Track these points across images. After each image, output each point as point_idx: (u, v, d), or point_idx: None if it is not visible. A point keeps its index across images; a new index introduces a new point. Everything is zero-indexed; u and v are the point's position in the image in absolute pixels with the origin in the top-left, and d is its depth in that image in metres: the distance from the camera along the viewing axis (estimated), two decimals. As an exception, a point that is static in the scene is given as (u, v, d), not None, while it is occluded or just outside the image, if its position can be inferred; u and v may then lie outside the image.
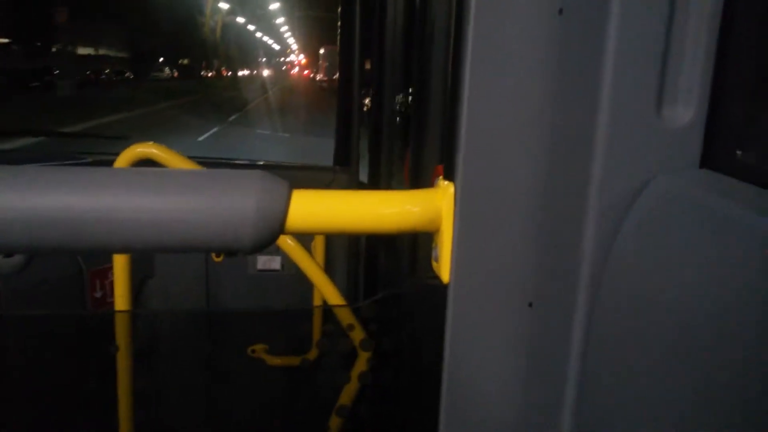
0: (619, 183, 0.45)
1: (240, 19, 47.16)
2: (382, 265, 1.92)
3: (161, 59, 40.36)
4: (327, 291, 1.47)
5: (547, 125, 0.52)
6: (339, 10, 2.05)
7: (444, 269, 0.57)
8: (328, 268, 1.96)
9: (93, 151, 2.22)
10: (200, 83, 36.40)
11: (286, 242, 1.45)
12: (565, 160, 0.50)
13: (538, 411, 0.55)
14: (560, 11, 0.51)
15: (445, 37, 1.20)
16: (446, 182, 0.57)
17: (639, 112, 0.44)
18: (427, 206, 0.57)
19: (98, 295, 1.89)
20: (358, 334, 1.41)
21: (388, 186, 1.75)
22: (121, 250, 0.70)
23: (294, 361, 1.92)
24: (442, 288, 0.58)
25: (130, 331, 1.49)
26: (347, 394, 1.46)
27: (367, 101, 2.21)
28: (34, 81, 21.27)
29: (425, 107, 1.29)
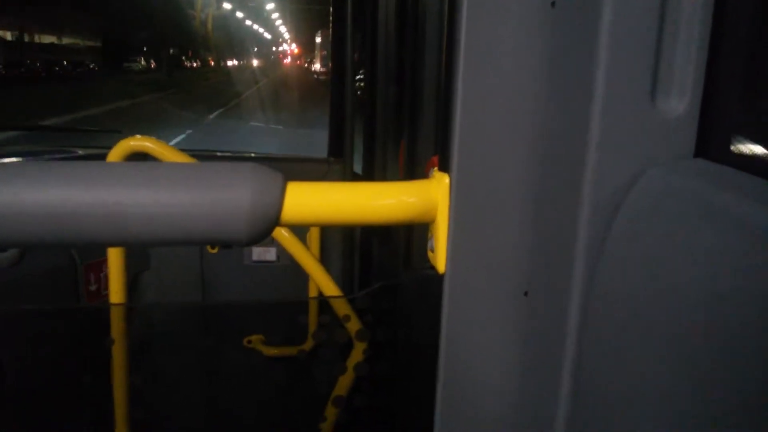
0: (613, 173, 0.45)
1: (227, 6, 44.64)
2: (378, 256, 1.92)
3: (144, 48, 36.23)
4: (322, 282, 1.47)
5: (541, 116, 0.52)
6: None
7: (440, 260, 0.57)
8: (324, 259, 1.96)
9: (85, 145, 2.20)
10: (181, 75, 32.62)
11: (281, 233, 1.45)
12: (560, 151, 0.50)
13: (533, 400, 0.56)
14: (553, 3, 0.50)
15: (438, 29, 1.20)
16: (441, 173, 0.57)
17: (633, 102, 0.44)
18: (423, 197, 0.57)
19: (93, 288, 1.89)
20: (354, 325, 1.41)
21: (383, 177, 1.75)
22: (115, 245, 0.70)
23: (290, 351, 1.93)
24: (438, 278, 0.58)
25: (125, 324, 1.49)
26: (343, 384, 1.46)
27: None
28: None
29: (419, 98, 1.29)
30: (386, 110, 1.68)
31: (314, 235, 1.94)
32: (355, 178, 2.01)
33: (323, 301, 1.70)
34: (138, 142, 1.40)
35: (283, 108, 16.60)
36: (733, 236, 0.35)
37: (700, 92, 0.45)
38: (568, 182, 0.48)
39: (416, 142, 1.32)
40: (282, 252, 1.99)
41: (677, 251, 0.39)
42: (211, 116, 13.52)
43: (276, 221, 0.54)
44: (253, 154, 2.76)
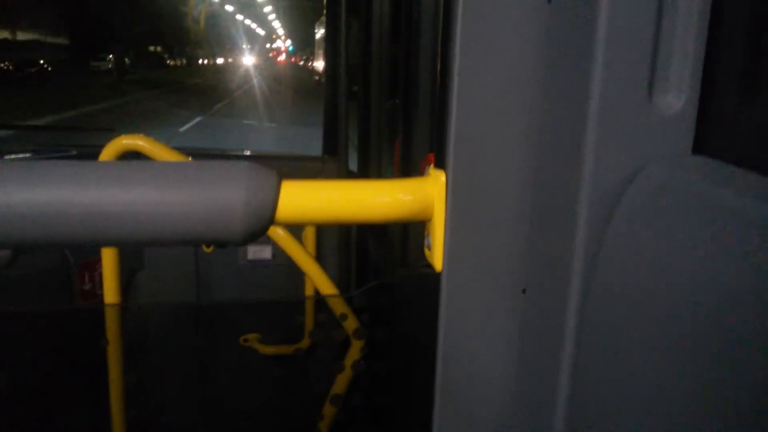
0: (611, 170, 0.45)
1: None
2: (374, 254, 1.92)
3: (120, 44, 30.14)
4: (319, 281, 1.47)
5: (538, 113, 0.52)
6: None
7: (437, 258, 0.57)
8: (320, 258, 1.95)
9: (78, 143, 2.19)
10: (159, 76, 27.25)
11: (277, 232, 1.44)
12: (557, 148, 0.50)
13: (531, 398, 0.55)
14: (549, 0, 0.50)
15: (434, 25, 1.19)
16: (437, 171, 0.57)
17: (630, 99, 0.44)
18: (419, 195, 0.57)
19: (87, 287, 1.88)
20: (351, 324, 1.41)
21: (378, 175, 1.75)
22: (109, 244, 0.69)
23: (287, 350, 1.93)
24: (435, 276, 0.58)
25: (120, 324, 1.48)
26: (341, 382, 1.46)
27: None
28: None
29: (414, 95, 1.28)
30: (381, 107, 1.67)
31: (310, 234, 1.94)
32: (349, 175, 2.01)
33: (320, 300, 1.70)
34: (131, 141, 1.39)
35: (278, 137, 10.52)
36: (731, 232, 0.35)
37: (698, 88, 0.44)
38: (565, 179, 0.48)
39: (411, 139, 1.31)
40: (278, 251, 1.98)
41: (675, 248, 0.39)
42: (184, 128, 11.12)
43: (271, 220, 0.53)
44: (247, 153, 2.75)
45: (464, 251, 0.55)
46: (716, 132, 0.45)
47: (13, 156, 1.89)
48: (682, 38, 0.44)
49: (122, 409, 1.46)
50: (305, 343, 1.92)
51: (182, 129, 11.15)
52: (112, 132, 1.74)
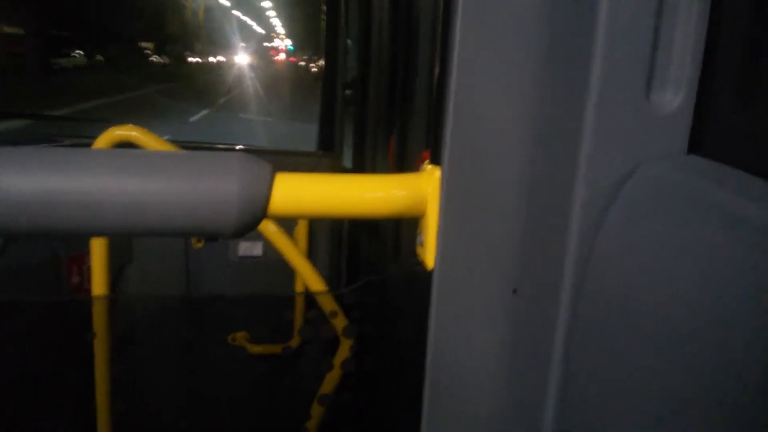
0: (606, 168, 0.45)
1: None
2: (365, 252, 1.91)
3: (106, 40, 25.87)
4: (309, 277, 1.46)
5: (535, 110, 0.52)
6: None
7: (429, 255, 0.57)
8: (311, 255, 1.95)
9: (72, 134, 2.17)
10: (129, 77, 21.50)
11: (268, 228, 1.44)
12: (553, 145, 0.49)
13: (521, 397, 0.55)
14: None
15: (432, 21, 1.19)
16: (433, 166, 0.56)
17: (628, 96, 0.44)
18: (413, 190, 0.56)
19: (75, 281, 1.86)
20: (340, 321, 1.41)
21: (373, 172, 1.74)
22: (99, 234, 0.68)
23: (275, 349, 1.92)
24: (426, 274, 0.57)
25: (107, 317, 1.47)
26: (330, 381, 1.45)
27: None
28: None
29: (410, 92, 1.28)
30: (377, 104, 1.67)
31: (302, 230, 1.93)
32: (344, 172, 2.00)
33: (310, 297, 1.69)
34: (124, 131, 1.37)
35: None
36: (725, 233, 0.35)
37: (696, 87, 0.44)
38: (560, 177, 0.47)
39: (407, 136, 1.31)
40: (268, 247, 1.98)
41: (669, 248, 0.38)
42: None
43: (264, 213, 0.53)
44: (240, 147, 2.74)
45: (457, 249, 0.55)
46: (711, 132, 0.45)
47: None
48: (681, 35, 0.43)
49: (108, 401, 1.45)
50: (294, 341, 1.91)
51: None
52: (107, 123, 1.72)
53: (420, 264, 0.59)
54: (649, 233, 0.41)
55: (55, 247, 1.79)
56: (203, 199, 0.50)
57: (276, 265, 1.86)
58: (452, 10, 0.51)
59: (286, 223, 1.62)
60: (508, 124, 0.52)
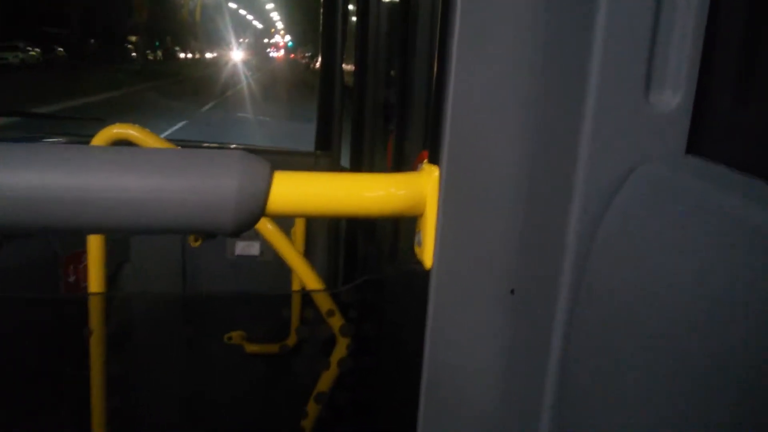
0: (605, 169, 0.45)
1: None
2: (362, 251, 1.91)
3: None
4: (306, 276, 1.46)
5: (534, 110, 0.52)
6: None
7: (427, 254, 0.56)
8: (308, 254, 1.94)
9: (69, 132, 2.16)
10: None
11: (266, 227, 1.43)
12: (551, 145, 0.49)
13: (519, 397, 0.55)
14: None
15: (430, 20, 1.19)
16: (431, 165, 0.56)
17: (626, 96, 0.44)
18: (412, 190, 0.56)
19: (71, 279, 1.85)
20: (337, 320, 1.41)
21: (371, 171, 1.74)
22: (96, 231, 0.68)
23: (272, 348, 1.91)
24: (423, 273, 0.57)
25: (103, 314, 1.46)
26: (326, 380, 1.45)
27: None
28: None
29: (409, 92, 1.28)
30: (375, 103, 1.67)
31: (299, 230, 1.93)
32: (342, 171, 2.00)
33: (307, 297, 1.69)
34: (122, 130, 1.37)
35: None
36: (723, 234, 0.35)
37: (694, 87, 0.44)
38: (558, 177, 0.47)
39: (405, 136, 1.31)
40: (266, 247, 1.97)
41: (667, 249, 0.38)
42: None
43: (262, 211, 0.53)
44: (239, 146, 2.74)
45: (455, 249, 0.55)
46: (710, 132, 0.45)
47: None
48: (680, 35, 0.43)
49: (103, 400, 1.44)
50: (291, 340, 1.91)
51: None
52: (103, 122, 1.71)
53: (418, 263, 0.59)
54: (647, 234, 0.41)
55: (52, 245, 1.79)
56: (201, 197, 0.50)
57: (273, 264, 1.86)
58: (451, 9, 0.51)
59: (283, 222, 1.62)
60: (507, 123, 0.52)
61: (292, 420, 1.53)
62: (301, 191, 0.55)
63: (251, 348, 1.92)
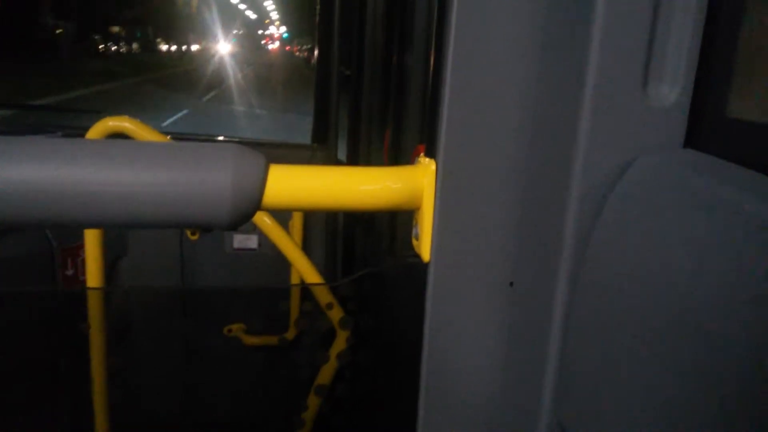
0: (602, 162, 0.44)
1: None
2: (360, 244, 1.91)
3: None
4: (305, 270, 1.46)
5: (531, 103, 0.52)
6: None
7: (425, 248, 0.56)
8: (306, 247, 1.94)
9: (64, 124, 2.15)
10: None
11: (263, 220, 1.43)
12: (549, 138, 0.49)
13: (518, 389, 0.55)
14: None
15: (427, 14, 1.18)
16: (428, 159, 0.56)
17: (625, 89, 0.43)
18: (409, 183, 0.56)
19: (69, 273, 1.85)
20: (336, 313, 1.41)
21: (367, 165, 1.74)
22: (92, 225, 0.68)
23: (272, 340, 1.92)
24: (422, 266, 0.57)
25: (102, 309, 1.46)
26: (326, 373, 1.46)
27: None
28: None
29: (406, 85, 1.27)
30: (372, 97, 1.66)
31: (297, 222, 1.92)
32: (339, 164, 2.00)
33: (305, 290, 1.69)
34: (118, 122, 1.36)
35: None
36: (721, 226, 0.35)
37: (692, 81, 0.44)
38: (556, 170, 0.47)
39: (402, 130, 1.30)
40: (264, 240, 1.97)
41: (665, 242, 0.38)
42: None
43: (258, 204, 0.53)
44: (234, 139, 2.73)
45: (452, 242, 0.55)
46: (708, 125, 0.45)
47: None
48: (678, 29, 0.43)
49: (104, 393, 1.45)
50: (290, 333, 1.91)
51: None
52: (99, 114, 1.70)
53: (416, 256, 0.59)
54: (645, 226, 0.41)
55: (49, 238, 1.78)
56: (197, 191, 0.49)
57: (271, 257, 1.85)
58: (448, 2, 0.51)
59: (281, 216, 1.62)
60: (504, 116, 0.52)
61: (291, 412, 1.54)
62: (297, 185, 0.54)
63: (250, 340, 1.92)
